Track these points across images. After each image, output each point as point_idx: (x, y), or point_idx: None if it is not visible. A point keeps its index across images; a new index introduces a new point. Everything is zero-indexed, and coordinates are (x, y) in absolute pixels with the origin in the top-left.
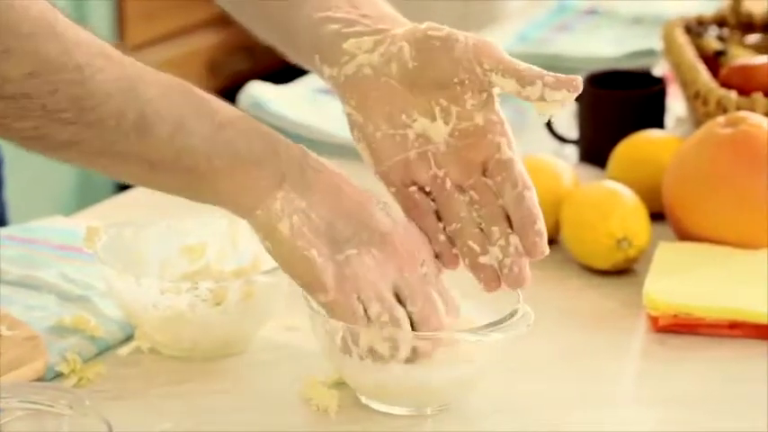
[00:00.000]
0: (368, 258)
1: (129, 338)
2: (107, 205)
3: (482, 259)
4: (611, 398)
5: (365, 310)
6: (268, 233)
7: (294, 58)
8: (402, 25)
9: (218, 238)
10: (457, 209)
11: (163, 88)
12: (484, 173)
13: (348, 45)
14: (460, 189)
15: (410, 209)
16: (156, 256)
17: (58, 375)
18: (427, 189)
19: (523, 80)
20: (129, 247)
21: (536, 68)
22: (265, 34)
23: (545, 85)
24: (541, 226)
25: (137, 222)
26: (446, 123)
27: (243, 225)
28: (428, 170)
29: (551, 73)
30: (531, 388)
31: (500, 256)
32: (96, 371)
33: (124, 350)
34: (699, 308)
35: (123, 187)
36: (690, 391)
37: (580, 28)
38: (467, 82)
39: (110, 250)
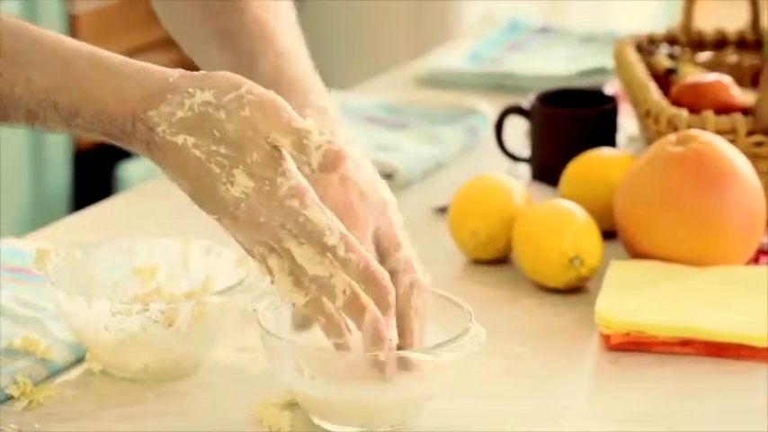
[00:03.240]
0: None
1: (80, 361)
2: (59, 226)
3: None
4: (564, 416)
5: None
6: None
7: None
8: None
9: (168, 260)
10: None
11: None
12: None
13: None
14: None
15: None
16: (106, 277)
17: (9, 398)
18: None
19: None
20: (79, 269)
21: None
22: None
23: None
24: None
25: (87, 244)
26: None
27: (194, 247)
28: None
29: None
30: (483, 407)
31: None
32: (47, 393)
33: (75, 373)
34: (651, 326)
35: (77, 208)
36: (642, 408)
37: (532, 46)
38: None
39: (60, 272)
